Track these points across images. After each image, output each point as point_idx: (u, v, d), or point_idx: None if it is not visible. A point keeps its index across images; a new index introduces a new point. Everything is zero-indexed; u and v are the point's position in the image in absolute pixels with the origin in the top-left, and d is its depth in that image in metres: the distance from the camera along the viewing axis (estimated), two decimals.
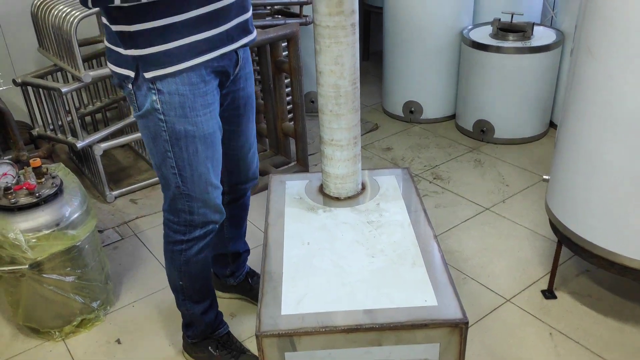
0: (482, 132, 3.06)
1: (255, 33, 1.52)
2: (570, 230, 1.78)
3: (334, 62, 1.37)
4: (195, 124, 1.40)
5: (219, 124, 1.48)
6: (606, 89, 1.54)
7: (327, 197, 1.55)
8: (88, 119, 3.05)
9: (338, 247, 1.34)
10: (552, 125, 3.15)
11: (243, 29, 1.45)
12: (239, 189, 1.80)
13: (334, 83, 1.40)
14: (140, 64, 1.31)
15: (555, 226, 1.87)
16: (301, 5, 2.59)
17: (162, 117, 1.37)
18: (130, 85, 1.36)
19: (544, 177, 1.95)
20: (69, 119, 2.60)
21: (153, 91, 1.34)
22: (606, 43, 1.51)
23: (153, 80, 1.33)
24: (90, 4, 1.22)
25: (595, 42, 1.54)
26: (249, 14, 1.47)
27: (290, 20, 2.58)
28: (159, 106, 1.36)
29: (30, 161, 1.82)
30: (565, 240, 1.84)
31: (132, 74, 1.33)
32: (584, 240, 1.73)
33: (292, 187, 1.62)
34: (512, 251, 2.25)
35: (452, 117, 3.35)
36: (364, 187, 1.58)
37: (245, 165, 1.75)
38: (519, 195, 2.61)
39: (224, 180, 1.66)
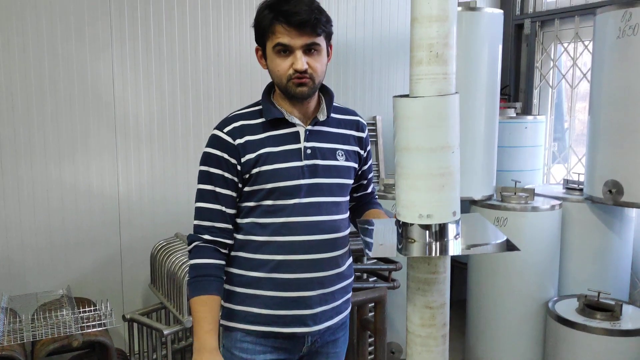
0: None
1: (318, 327, 1.62)
2: None
3: None
4: None
5: None
6: None
7: None
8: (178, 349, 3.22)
9: None
10: None
11: (300, 321, 1.59)
12: None
13: None
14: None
15: None
16: (390, 271, 2.78)
17: None
18: None
19: None
20: (163, 352, 2.78)
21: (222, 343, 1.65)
22: None
23: (222, 331, 1.65)
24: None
25: None
26: (314, 310, 1.59)
27: (379, 284, 2.75)
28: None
29: None
30: None
31: None
32: None
33: None
34: None
35: None
36: None
37: None
38: None
39: None
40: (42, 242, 3.01)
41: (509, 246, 1.36)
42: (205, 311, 1.52)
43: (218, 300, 1.56)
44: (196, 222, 1.58)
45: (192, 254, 1.58)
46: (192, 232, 1.60)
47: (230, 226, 1.59)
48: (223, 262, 1.59)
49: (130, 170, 3.18)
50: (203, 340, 1.51)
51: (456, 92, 1.31)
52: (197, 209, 1.59)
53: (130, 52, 3.11)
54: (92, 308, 2.67)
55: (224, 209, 1.57)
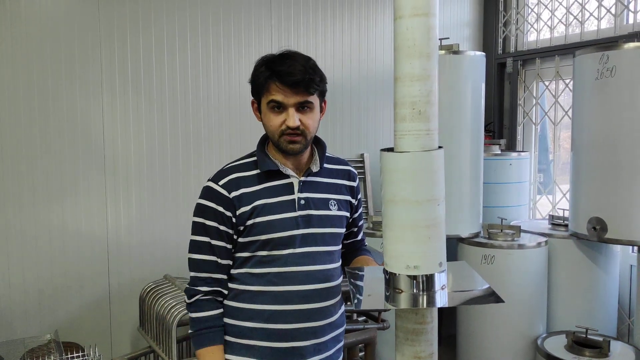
0: None
1: None
2: None
3: None
4: None
5: None
6: None
7: None
8: None
9: None
10: None
11: None
12: None
13: None
14: None
15: None
16: (380, 311, 2.79)
17: None
18: None
19: None
20: None
21: None
22: None
23: None
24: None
25: None
26: None
27: (369, 326, 2.76)
28: None
29: None
30: None
31: None
32: None
33: None
34: None
35: None
36: None
37: None
38: None
39: None
40: (29, 286, 2.99)
41: (495, 298, 1.38)
42: None
43: (222, 348, 1.60)
44: (193, 273, 1.61)
45: (193, 307, 1.60)
46: (188, 284, 1.62)
47: (225, 276, 1.62)
48: (222, 311, 1.63)
49: (119, 212, 3.19)
50: None
51: (440, 147, 1.35)
52: (192, 261, 1.61)
53: (121, 93, 3.15)
54: (80, 353, 2.64)
55: (218, 260, 1.59)
